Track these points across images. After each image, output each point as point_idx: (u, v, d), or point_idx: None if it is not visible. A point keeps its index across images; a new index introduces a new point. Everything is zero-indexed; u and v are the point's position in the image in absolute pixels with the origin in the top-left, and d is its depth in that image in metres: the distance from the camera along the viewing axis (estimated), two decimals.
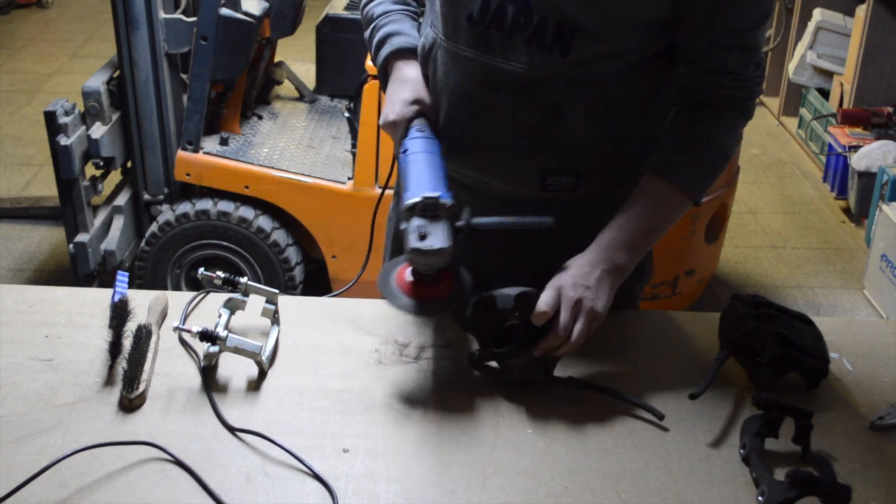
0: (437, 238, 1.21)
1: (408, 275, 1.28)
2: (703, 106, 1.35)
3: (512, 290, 1.26)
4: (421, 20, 1.49)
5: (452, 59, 1.37)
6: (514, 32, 1.29)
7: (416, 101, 1.38)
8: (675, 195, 1.34)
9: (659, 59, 1.34)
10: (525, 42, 1.29)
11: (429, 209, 1.22)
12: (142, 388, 1.25)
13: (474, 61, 1.34)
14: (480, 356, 1.32)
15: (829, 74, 4.63)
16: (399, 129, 1.37)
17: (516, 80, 1.32)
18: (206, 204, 2.93)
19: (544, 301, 1.25)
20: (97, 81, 2.80)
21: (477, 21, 1.31)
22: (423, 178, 1.27)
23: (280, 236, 2.96)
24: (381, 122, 1.41)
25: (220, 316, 1.35)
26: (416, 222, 1.22)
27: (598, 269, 1.29)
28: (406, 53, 1.42)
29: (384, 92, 1.46)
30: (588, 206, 1.41)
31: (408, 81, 1.40)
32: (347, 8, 3.36)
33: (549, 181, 1.38)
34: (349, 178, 2.90)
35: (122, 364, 1.28)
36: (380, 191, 1.59)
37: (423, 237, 1.21)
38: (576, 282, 1.27)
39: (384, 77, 1.45)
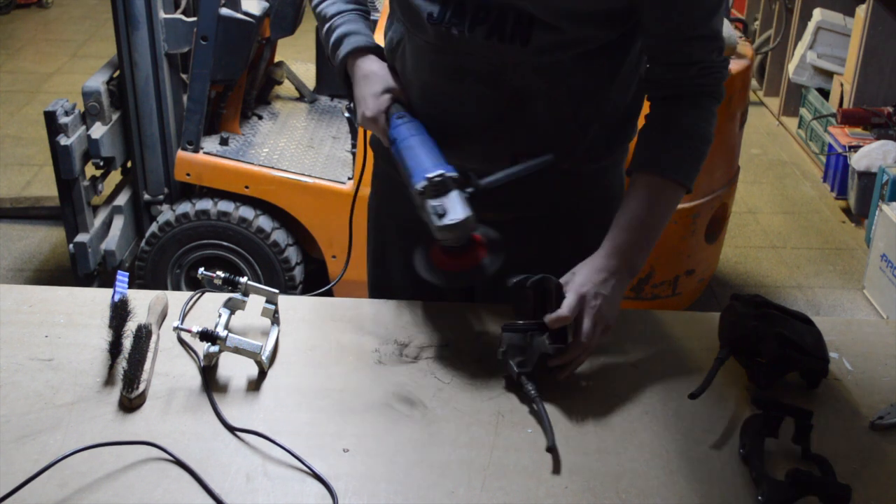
0: (456, 210, 1.24)
1: (441, 254, 1.31)
2: (676, 98, 1.38)
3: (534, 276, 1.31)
4: (373, 18, 1.51)
5: (420, 53, 1.40)
6: (475, 26, 1.32)
7: (386, 91, 1.40)
8: (668, 187, 1.37)
9: (617, 44, 1.36)
10: (486, 35, 1.32)
11: (438, 186, 1.25)
12: (142, 388, 1.25)
13: (439, 55, 1.37)
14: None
15: (829, 74, 4.63)
16: (380, 123, 1.39)
17: (481, 71, 1.35)
18: (206, 204, 2.93)
19: (567, 306, 1.28)
20: (97, 81, 2.80)
21: (437, 20, 1.34)
22: (421, 160, 1.30)
23: (280, 236, 2.95)
24: (358, 122, 1.44)
25: (220, 316, 1.35)
26: (431, 203, 1.25)
27: (615, 275, 1.32)
28: (363, 51, 1.44)
29: (346, 94, 1.48)
30: (564, 182, 1.46)
31: (371, 75, 1.42)
32: None
33: (520, 162, 1.40)
34: (349, 178, 2.91)
35: (122, 364, 1.28)
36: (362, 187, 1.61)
37: (442, 215, 1.24)
38: (597, 290, 1.30)
39: (344, 77, 1.47)
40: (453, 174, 1.26)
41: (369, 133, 1.59)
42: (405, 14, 1.39)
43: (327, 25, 1.48)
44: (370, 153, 1.61)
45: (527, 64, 1.33)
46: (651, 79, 1.40)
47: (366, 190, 1.67)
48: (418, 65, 1.40)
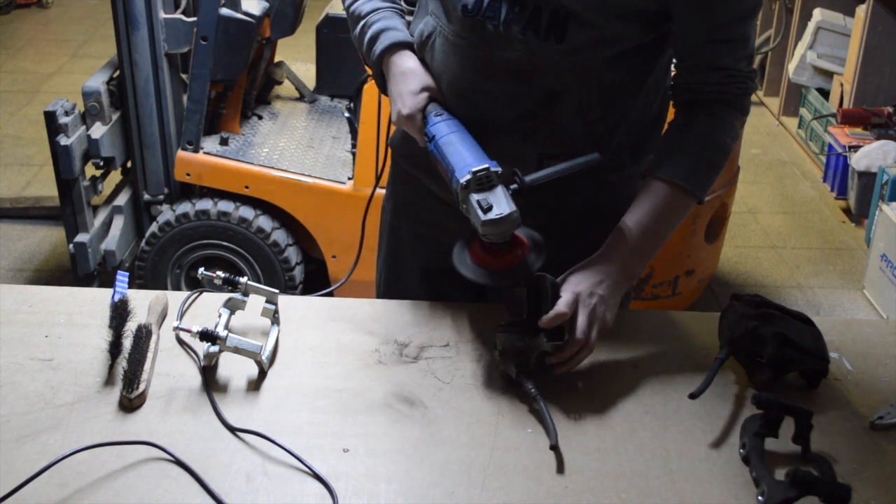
0: (502, 205, 1.23)
1: (482, 251, 1.30)
2: (697, 104, 1.37)
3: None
4: (409, 18, 1.50)
5: (451, 47, 1.38)
6: (511, 22, 1.31)
7: (424, 89, 1.38)
8: (679, 196, 1.36)
9: (650, 47, 1.36)
10: (521, 30, 1.31)
11: (482, 181, 1.25)
12: (142, 388, 1.25)
13: (472, 49, 1.36)
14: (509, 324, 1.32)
15: (829, 74, 4.63)
16: (416, 122, 1.37)
17: (514, 67, 1.34)
18: (206, 204, 2.93)
19: (564, 303, 1.27)
20: (97, 81, 2.80)
21: (472, 12, 1.33)
22: (463, 155, 1.29)
23: (280, 236, 2.96)
24: (393, 119, 1.41)
25: (220, 316, 1.35)
26: (476, 197, 1.24)
27: (610, 277, 1.32)
28: (400, 47, 1.42)
29: (382, 90, 1.46)
30: (587, 190, 1.44)
31: (409, 72, 1.40)
32: None
33: (545, 165, 1.39)
34: (349, 178, 2.91)
35: (122, 364, 1.28)
36: (378, 190, 1.59)
37: (488, 209, 1.23)
38: (592, 290, 1.30)
39: (379, 74, 1.45)
40: (498, 169, 1.26)
41: (390, 132, 1.58)
42: (438, 5, 1.38)
43: (362, 23, 1.45)
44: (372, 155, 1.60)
45: (560, 62, 1.32)
46: (676, 82, 1.39)
47: (368, 191, 1.67)
48: (448, 59, 1.39)
